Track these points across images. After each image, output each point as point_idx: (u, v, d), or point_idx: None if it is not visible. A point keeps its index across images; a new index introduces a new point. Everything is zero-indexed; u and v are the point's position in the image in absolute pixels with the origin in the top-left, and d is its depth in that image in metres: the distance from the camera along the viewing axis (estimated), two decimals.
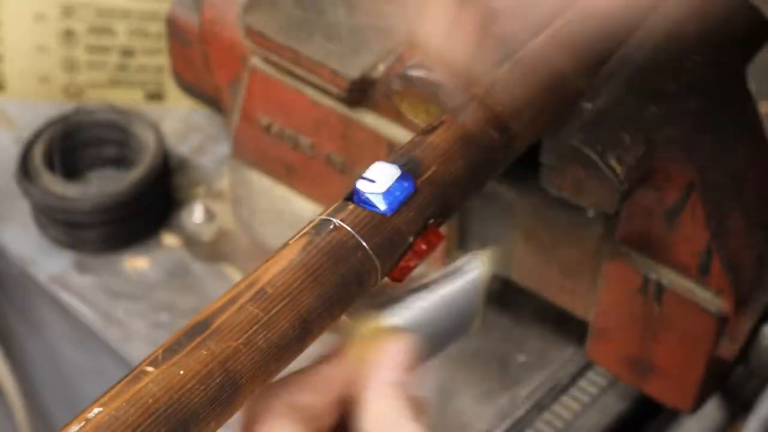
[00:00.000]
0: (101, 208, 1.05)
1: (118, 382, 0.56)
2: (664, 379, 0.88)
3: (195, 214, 1.08)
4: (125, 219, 1.07)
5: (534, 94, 0.71)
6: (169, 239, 1.10)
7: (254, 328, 0.58)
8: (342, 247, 0.62)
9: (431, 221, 0.65)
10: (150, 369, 0.56)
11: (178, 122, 1.20)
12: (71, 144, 1.11)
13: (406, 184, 0.65)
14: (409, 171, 0.65)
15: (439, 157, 0.68)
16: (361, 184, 0.64)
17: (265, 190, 1.04)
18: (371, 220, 0.63)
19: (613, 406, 0.99)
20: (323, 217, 0.63)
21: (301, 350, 0.61)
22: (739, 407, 0.97)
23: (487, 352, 1.02)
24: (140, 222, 1.08)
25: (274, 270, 0.60)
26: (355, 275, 0.62)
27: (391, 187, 0.64)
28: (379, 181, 0.64)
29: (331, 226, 0.62)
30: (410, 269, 0.65)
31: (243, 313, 0.58)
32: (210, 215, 1.09)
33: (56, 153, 1.08)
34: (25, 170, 1.07)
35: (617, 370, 0.91)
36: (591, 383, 1.00)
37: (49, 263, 1.08)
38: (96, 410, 0.54)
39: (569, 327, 1.00)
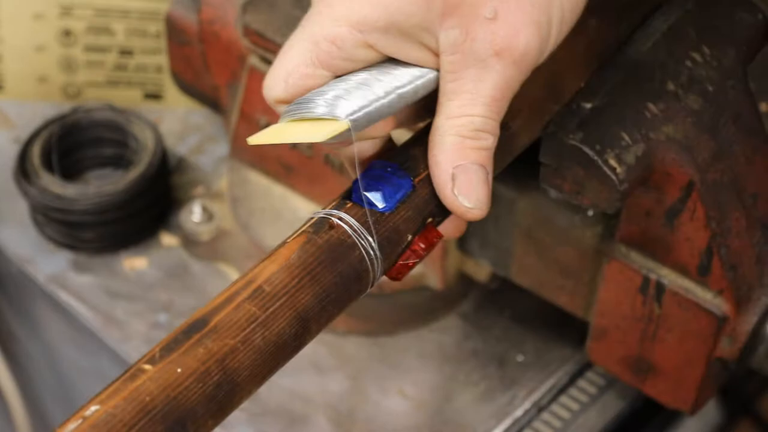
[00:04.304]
0: (99, 207, 1.05)
1: (116, 380, 0.56)
2: (664, 379, 0.88)
3: (193, 214, 1.08)
4: (123, 219, 1.07)
5: (533, 92, 0.71)
6: (168, 239, 1.10)
7: (252, 327, 0.58)
8: (340, 246, 0.61)
9: (430, 220, 0.65)
10: (147, 367, 0.56)
11: (177, 122, 1.19)
12: (69, 144, 1.11)
13: (404, 183, 0.64)
14: (407, 169, 0.65)
15: None
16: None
17: (263, 190, 1.04)
18: (369, 218, 0.63)
19: (613, 406, 0.99)
20: (321, 214, 0.63)
21: (298, 348, 0.61)
22: (739, 407, 0.97)
23: (486, 352, 1.02)
24: (138, 222, 1.08)
25: (272, 268, 0.60)
26: (353, 273, 0.62)
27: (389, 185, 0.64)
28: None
29: (329, 225, 0.62)
30: (409, 268, 0.64)
31: (241, 312, 0.58)
32: (208, 215, 1.08)
33: (54, 153, 1.08)
34: (23, 170, 1.07)
35: (617, 371, 0.91)
36: (590, 383, 1.00)
37: (47, 263, 1.08)
38: (93, 408, 0.54)
39: (569, 327, 1.00)
